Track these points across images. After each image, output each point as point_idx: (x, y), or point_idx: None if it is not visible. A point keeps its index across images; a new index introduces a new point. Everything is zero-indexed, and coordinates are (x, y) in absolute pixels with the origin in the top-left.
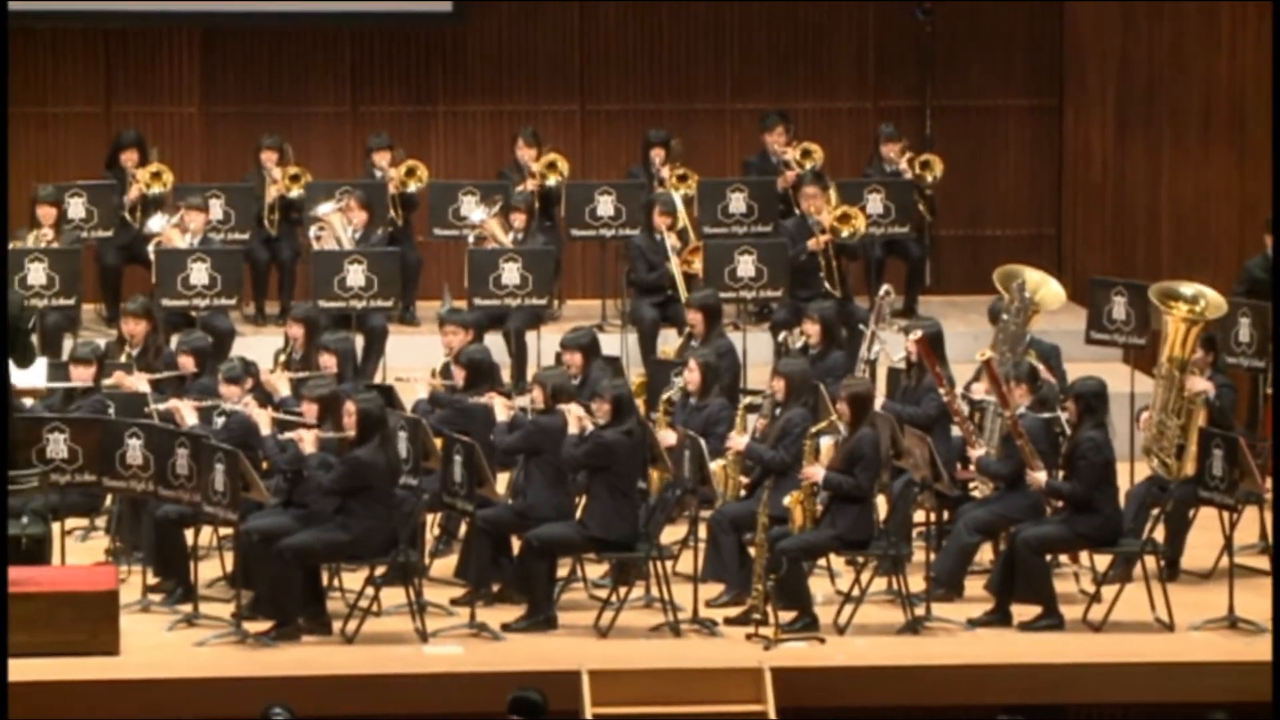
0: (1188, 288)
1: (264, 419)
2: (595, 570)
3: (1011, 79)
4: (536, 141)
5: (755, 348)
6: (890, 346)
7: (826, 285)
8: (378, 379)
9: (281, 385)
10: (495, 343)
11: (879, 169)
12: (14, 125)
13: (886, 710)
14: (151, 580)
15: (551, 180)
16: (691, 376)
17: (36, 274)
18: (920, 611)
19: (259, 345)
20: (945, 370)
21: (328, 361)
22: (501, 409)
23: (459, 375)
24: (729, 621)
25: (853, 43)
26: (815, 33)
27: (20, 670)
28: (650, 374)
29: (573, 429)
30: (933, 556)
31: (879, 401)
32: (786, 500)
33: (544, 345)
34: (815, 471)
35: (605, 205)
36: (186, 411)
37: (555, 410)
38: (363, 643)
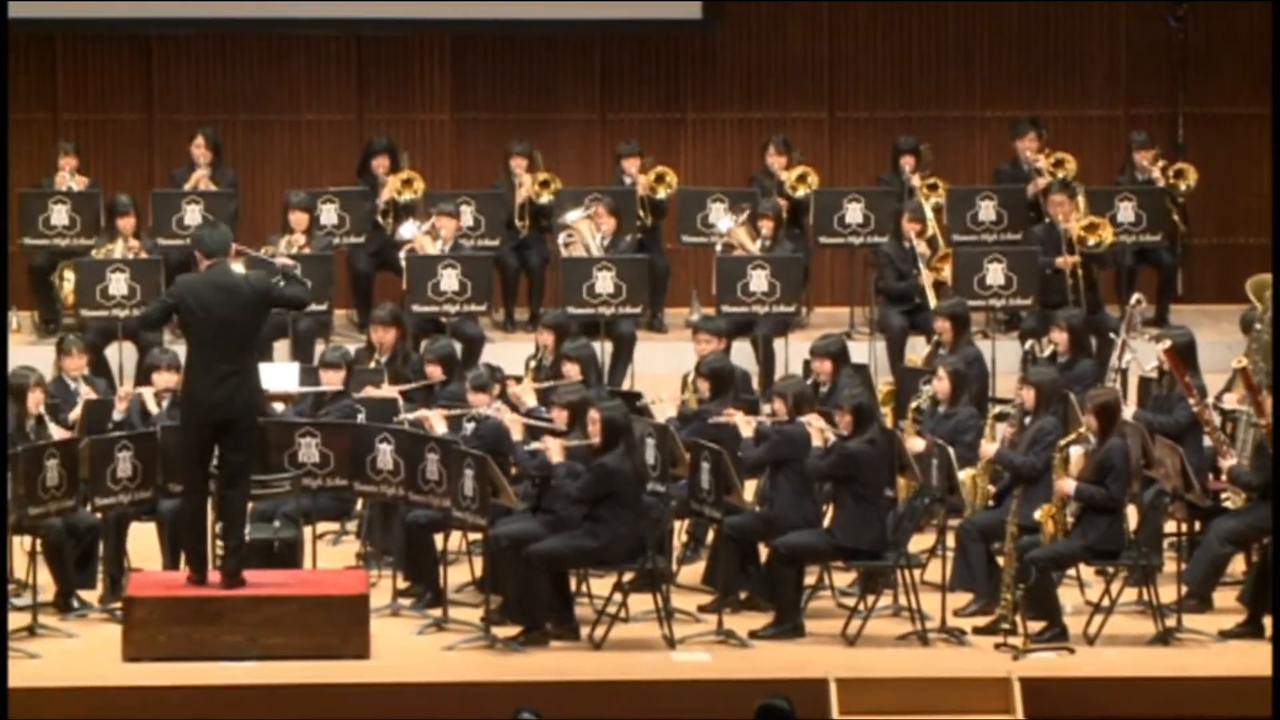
0: None
1: (515, 424)
2: (843, 578)
3: (1265, 85)
4: (787, 149)
5: (1003, 356)
6: (1142, 355)
7: (1073, 296)
8: (625, 386)
9: (528, 397)
10: (743, 350)
11: (1131, 177)
12: (268, 132)
13: None
14: (401, 584)
15: (801, 192)
16: (941, 385)
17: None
18: (1171, 623)
19: (508, 352)
20: (1196, 380)
21: (570, 369)
22: (744, 427)
23: (703, 385)
24: (977, 631)
25: (1104, 50)
26: (1066, 40)
27: (272, 673)
28: (898, 382)
29: (816, 441)
30: (1183, 567)
31: (1129, 410)
32: (1038, 514)
33: (792, 352)
34: (1066, 485)
35: (854, 212)
36: (436, 421)
37: (798, 420)
38: (610, 649)
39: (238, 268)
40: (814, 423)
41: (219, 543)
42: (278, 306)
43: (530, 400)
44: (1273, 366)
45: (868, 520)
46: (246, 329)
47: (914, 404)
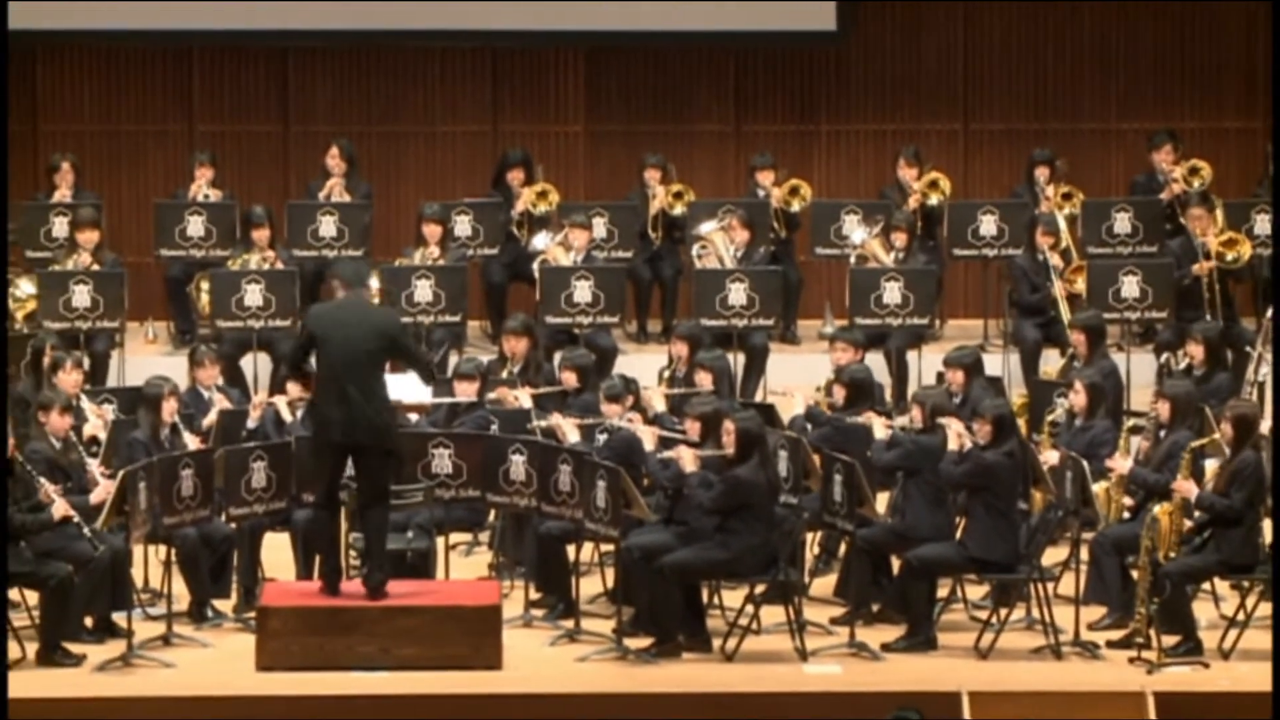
0: None
1: (648, 435)
2: (975, 591)
3: None
4: (918, 160)
5: (1138, 369)
6: None
7: (1209, 309)
8: (758, 398)
9: (658, 402)
10: (876, 362)
11: (1269, 190)
12: (403, 143)
13: None
14: (534, 595)
15: (933, 199)
16: (1077, 398)
17: (423, 291)
18: None
19: (641, 363)
20: None
21: (704, 379)
22: (880, 428)
23: (840, 393)
24: (1111, 645)
25: (1241, 61)
26: (1203, 51)
27: (404, 683)
28: (1032, 394)
29: (952, 445)
30: None
31: (1266, 424)
32: (1156, 510)
33: (925, 365)
34: (1188, 487)
35: (988, 224)
36: (569, 429)
37: (934, 429)
38: (742, 660)
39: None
40: (953, 426)
41: (353, 554)
42: (401, 356)
43: (660, 404)
44: (1273, 367)
45: (1001, 533)
46: (373, 359)
47: (1050, 417)
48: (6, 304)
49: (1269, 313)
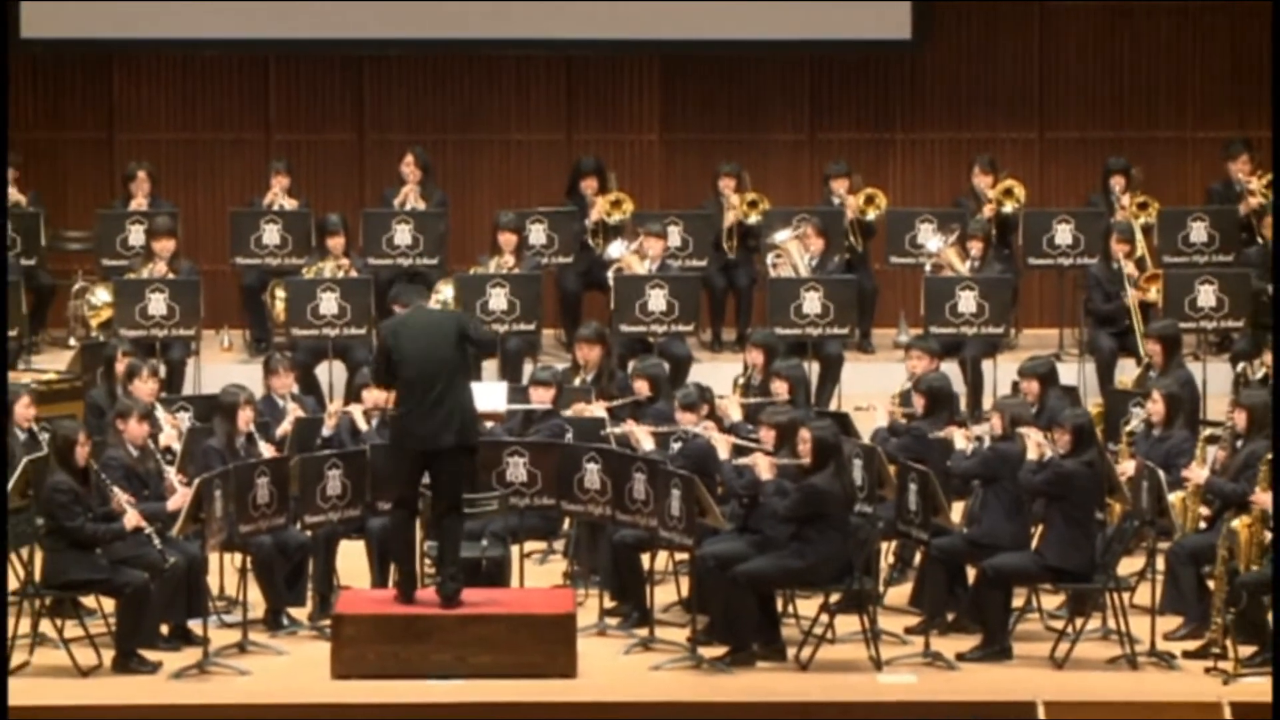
0: None
1: (723, 444)
2: (1051, 601)
3: None
4: (993, 169)
5: (1214, 378)
6: None
7: None
8: (833, 406)
9: (734, 410)
10: (951, 371)
11: None
12: (478, 152)
13: None
14: (608, 604)
15: (1008, 206)
16: (1155, 407)
17: (497, 299)
18: None
19: (715, 372)
20: None
21: (780, 388)
22: (960, 439)
23: (919, 402)
24: (1187, 655)
25: None
26: None
27: (479, 691)
28: (1108, 404)
29: (1032, 455)
30: None
31: None
32: (1234, 523)
33: (1000, 374)
34: (1266, 499)
35: (1063, 233)
36: (643, 437)
37: (1013, 438)
38: (817, 669)
39: (434, 304)
40: (1032, 435)
41: (428, 562)
42: (472, 345)
43: (736, 413)
44: (1273, 370)
45: (1077, 542)
46: (452, 362)
47: (1127, 427)
48: (6, 307)
49: None
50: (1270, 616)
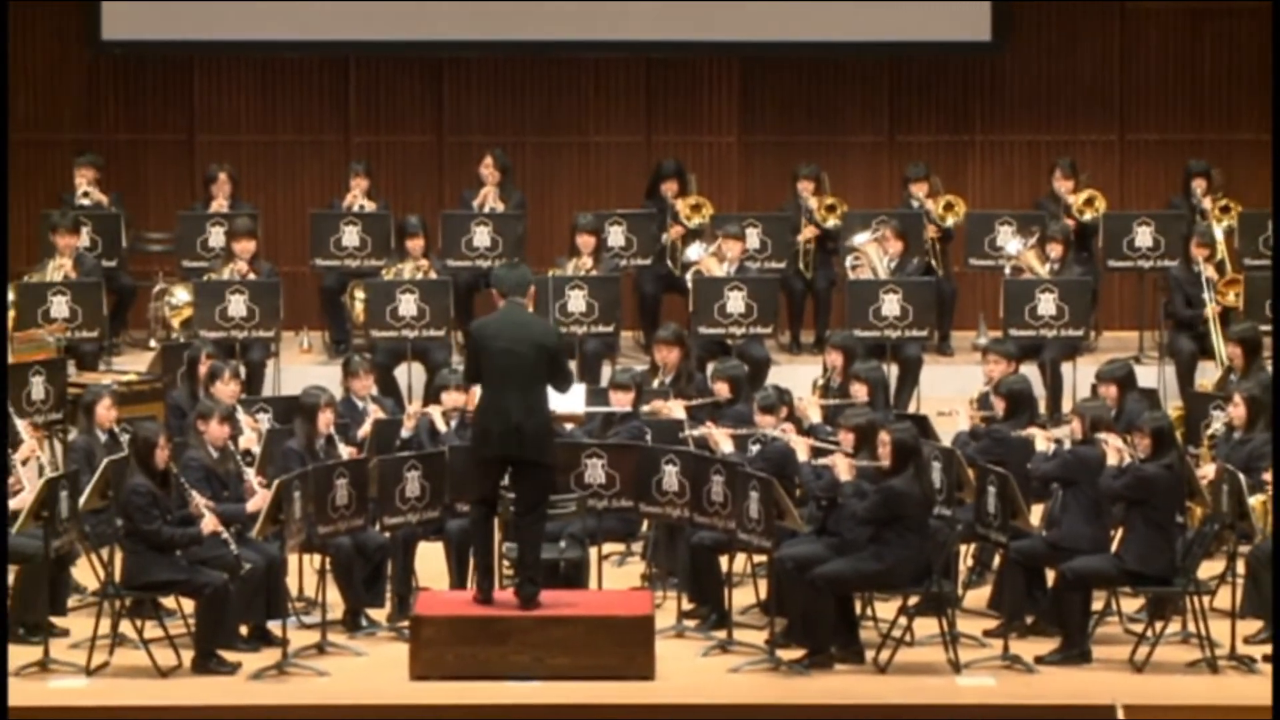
0: None
1: (801, 446)
2: (1130, 604)
3: None
4: (1074, 173)
5: None
6: None
7: None
8: (911, 408)
9: (813, 412)
10: (1030, 373)
11: None
12: (557, 153)
13: None
14: (686, 606)
15: (1088, 216)
16: (1236, 411)
17: (576, 301)
18: None
19: (794, 374)
20: None
21: (859, 390)
22: (1041, 441)
23: (998, 405)
24: (1268, 659)
25: None
26: None
27: (557, 693)
28: (1188, 407)
29: (1112, 460)
30: None
31: None
32: (1252, 500)
33: (1080, 376)
34: None
35: (1144, 236)
36: (722, 439)
37: (1093, 441)
38: (895, 672)
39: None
40: (1111, 442)
41: (506, 564)
42: (551, 368)
43: (815, 415)
44: (1273, 372)
45: (1158, 546)
46: (536, 369)
47: (1208, 430)
48: (6, 306)
49: None
50: None
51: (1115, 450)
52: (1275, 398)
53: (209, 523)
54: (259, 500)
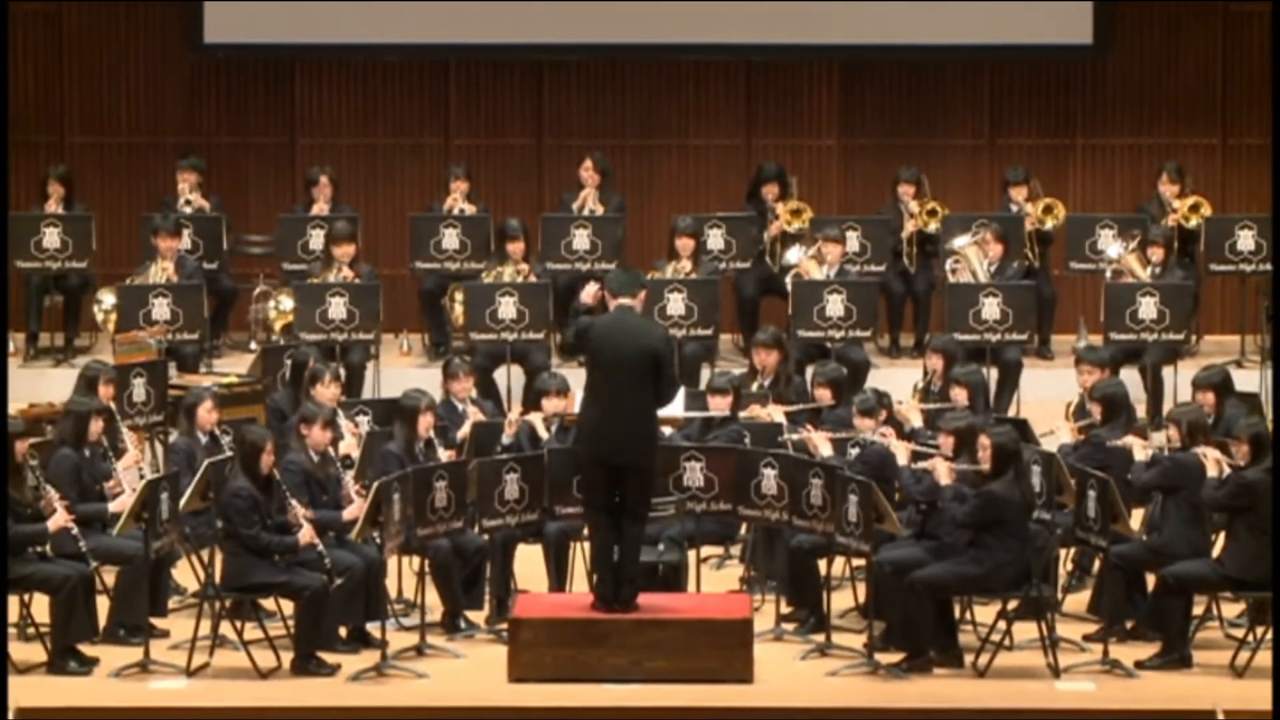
0: None
1: (901, 450)
2: (1231, 609)
3: None
4: (1180, 177)
5: None
6: None
7: None
8: (1011, 412)
9: (913, 416)
10: (1130, 378)
11: None
12: (656, 157)
13: None
14: (785, 609)
15: (1193, 222)
16: None
17: (675, 304)
18: None
19: (893, 378)
20: None
21: (959, 394)
22: (1139, 450)
23: (1095, 411)
24: None
25: None
26: None
27: (655, 696)
28: None
29: (1211, 472)
30: None
31: None
32: None
33: (1181, 380)
34: None
35: (1245, 240)
36: (821, 443)
37: (1191, 448)
38: (994, 676)
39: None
40: (1209, 454)
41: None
42: (657, 374)
43: (916, 419)
44: (1273, 369)
45: (1259, 552)
46: (643, 375)
47: None
48: (7, 305)
49: None
50: None
51: (1214, 461)
52: (1275, 397)
53: (306, 534)
54: (355, 509)
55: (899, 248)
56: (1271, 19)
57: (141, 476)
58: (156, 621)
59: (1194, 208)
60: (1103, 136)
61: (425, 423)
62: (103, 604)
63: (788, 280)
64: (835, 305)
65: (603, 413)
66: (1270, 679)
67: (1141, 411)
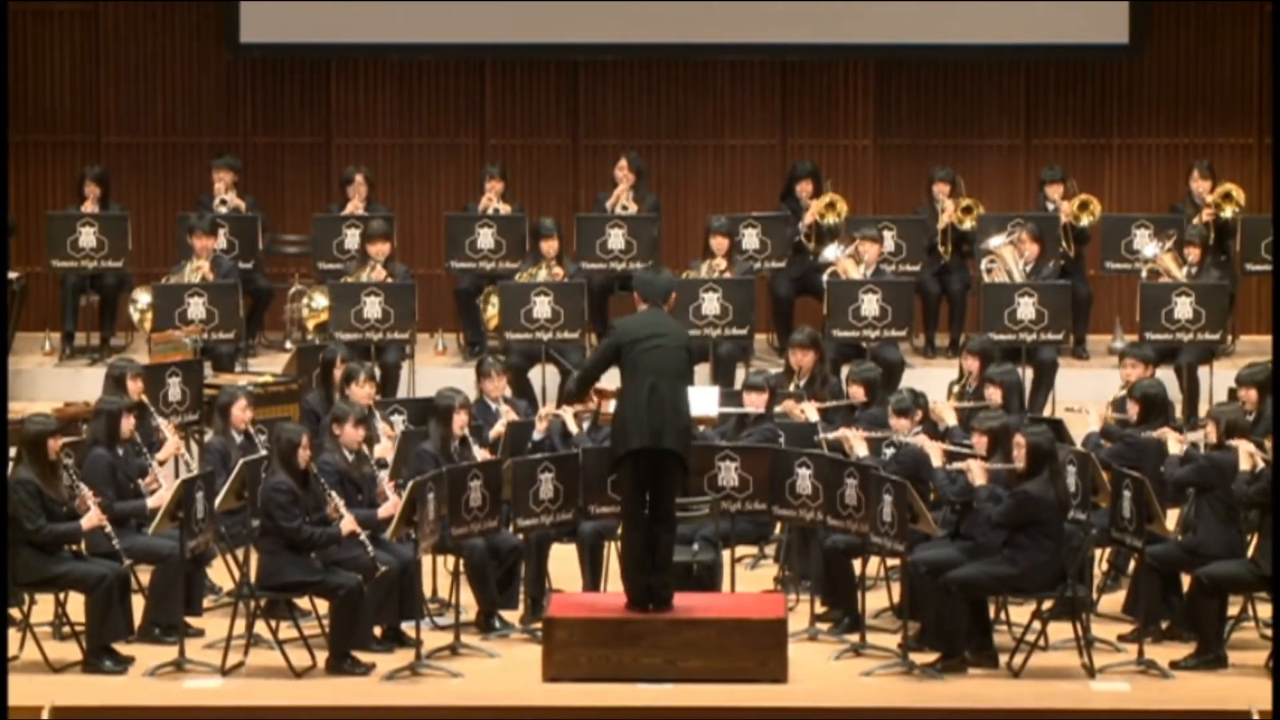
0: None
1: (935, 450)
2: (1268, 609)
3: None
4: (1212, 174)
5: None
6: None
7: None
8: (1046, 412)
9: (948, 415)
10: (1166, 377)
11: None
12: (691, 156)
13: None
14: (819, 609)
15: (1227, 212)
16: None
17: (710, 304)
18: None
19: (928, 377)
20: None
21: (993, 394)
22: (1174, 444)
23: (1133, 409)
24: None
25: None
26: None
27: (689, 695)
28: None
29: (1244, 465)
30: None
31: None
32: None
33: (1216, 381)
34: None
35: None
36: (856, 442)
37: (1228, 446)
38: (1029, 677)
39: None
40: (1243, 446)
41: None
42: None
43: (950, 418)
44: (1273, 368)
45: None
46: (683, 367)
47: None
48: (7, 304)
49: None
50: None
51: (1247, 455)
52: (1275, 397)
53: (348, 523)
54: (390, 507)
55: (934, 242)
56: (1272, 19)
57: (187, 466)
58: (191, 620)
59: (1226, 196)
60: (1139, 136)
61: (460, 421)
62: (138, 603)
63: (823, 279)
64: (870, 305)
65: (639, 404)
66: None
67: (1177, 412)
